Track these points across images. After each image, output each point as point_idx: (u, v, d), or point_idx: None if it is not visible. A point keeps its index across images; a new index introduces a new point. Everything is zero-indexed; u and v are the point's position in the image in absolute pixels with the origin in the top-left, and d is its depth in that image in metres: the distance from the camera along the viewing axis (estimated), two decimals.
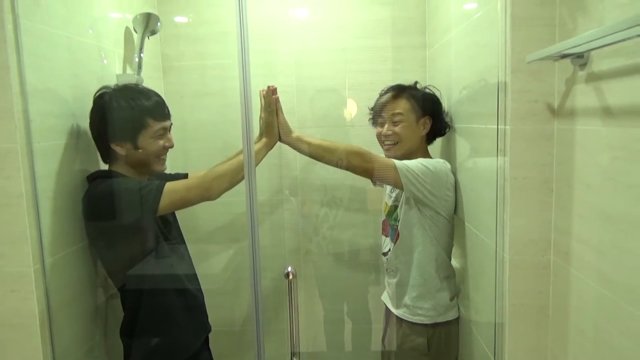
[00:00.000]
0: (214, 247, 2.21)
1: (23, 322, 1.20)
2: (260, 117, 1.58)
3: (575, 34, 1.03)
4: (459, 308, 1.63)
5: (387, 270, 1.74)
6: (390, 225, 1.72)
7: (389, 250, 1.70)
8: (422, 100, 1.63)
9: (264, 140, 1.54)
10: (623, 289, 0.89)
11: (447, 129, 1.70)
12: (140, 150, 1.40)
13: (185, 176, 1.71)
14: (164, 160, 1.49)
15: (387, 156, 1.65)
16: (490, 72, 1.24)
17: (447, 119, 1.70)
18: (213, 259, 2.16)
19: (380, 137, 1.68)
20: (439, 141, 1.96)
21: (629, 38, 0.76)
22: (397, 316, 1.66)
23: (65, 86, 1.44)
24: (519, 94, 1.13)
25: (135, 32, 1.79)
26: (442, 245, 1.60)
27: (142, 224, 1.39)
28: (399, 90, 1.66)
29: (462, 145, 1.62)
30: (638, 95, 0.84)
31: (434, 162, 1.55)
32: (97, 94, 1.43)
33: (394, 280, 1.68)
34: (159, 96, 1.46)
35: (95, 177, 1.42)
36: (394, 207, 1.69)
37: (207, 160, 2.17)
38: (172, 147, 1.49)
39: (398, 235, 1.64)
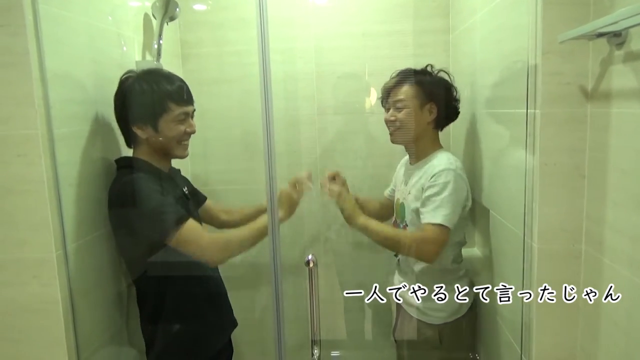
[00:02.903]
0: None
1: (46, 308, 1.21)
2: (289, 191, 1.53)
3: (612, 12, 0.97)
4: (474, 300, 1.58)
5: (398, 268, 1.72)
6: (398, 223, 1.69)
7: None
8: (429, 85, 1.56)
9: (280, 212, 1.44)
10: None
11: (457, 115, 1.63)
12: (160, 134, 1.39)
13: (203, 199, 1.72)
14: (186, 145, 1.47)
15: (392, 141, 1.63)
16: (519, 55, 1.19)
17: (457, 105, 1.62)
18: None
19: (386, 122, 1.63)
20: (462, 127, 1.91)
21: None
22: (406, 310, 1.63)
23: (86, 73, 1.44)
24: (550, 76, 1.08)
25: (154, 18, 1.77)
26: (455, 244, 1.56)
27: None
28: (404, 76, 1.59)
29: (487, 131, 1.57)
30: None
31: (457, 187, 1.47)
32: (123, 77, 1.43)
33: (405, 280, 1.65)
34: (182, 81, 1.44)
35: (121, 166, 1.42)
36: (402, 206, 1.65)
37: (226, 149, 2.18)
38: (193, 132, 1.47)
39: None
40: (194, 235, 1.34)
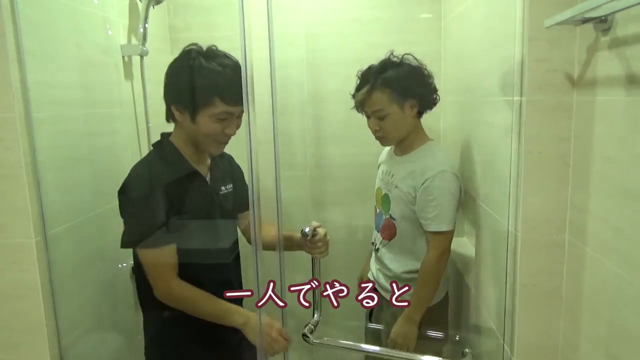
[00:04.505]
0: None
1: (25, 294, 1.20)
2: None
3: None
4: (448, 285, 1.66)
5: (375, 256, 1.72)
6: (379, 212, 1.69)
7: (376, 239, 1.69)
8: (401, 83, 1.49)
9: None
10: (638, 268, 0.84)
11: (437, 98, 1.57)
12: (196, 126, 1.27)
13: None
14: (222, 145, 1.34)
15: (382, 144, 1.62)
16: (506, 41, 1.17)
17: (434, 88, 1.56)
18: None
19: (371, 130, 1.58)
20: (451, 115, 1.89)
21: None
22: (384, 296, 1.64)
23: (69, 56, 1.42)
24: (537, 63, 1.05)
25: (140, 1, 1.74)
26: None
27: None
28: (371, 81, 1.51)
29: (476, 119, 1.55)
30: None
31: (454, 189, 1.50)
32: (187, 47, 1.31)
33: (382, 267, 1.66)
34: (239, 77, 1.22)
35: (155, 144, 1.36)
36: (386, 197, 1.63)
37: None
38: (232, 135, 1.31)
39: (390, 227, 1.61)
40: (151, 272, 1.27)
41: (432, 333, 1.56)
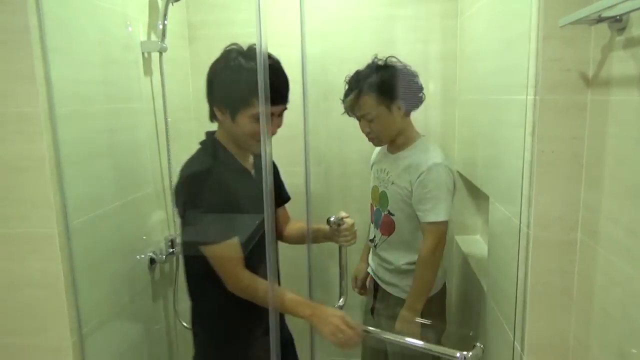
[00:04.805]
0: None
1: (48, 282, 1.24)
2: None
3: None
4: (445, 277, 1.73)
5: (373, 250, 1.76)
6: (377, 209, 1.73)
7: (375, 236, 1.73)
8: (387, 86, 1.56)
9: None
10: None
11: (423, 96, 1.64)
12: (236, 126, 1.29)
13: (285, 198, 1.59)
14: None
15: (375, 145, 1.69)
16: (520, 40, 1.17)
17: (419, 86, 1.63)
18: None
19: (363, 131, 1.65)
20: (466, 113, 1.89)
21: None
22: (385, 289, 1.69)
23: (90, 52, 1.45)
24: (551, 62, 1.06)
25: None
26: None
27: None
28: (359, 86, 1.57)
29: (487, 118, 1.55)
30: None
31: (448, 181, 1.55)
32: (227, 47, 1.33)
33: (382, 261, 1.70)
34: (279, 76, 1.30)
35: (202, 142, 1.39)
36: (384, 194, 1.68)
37: None
38: (274, 134, 1.34)
39: (389, 223, 1.64)
40: (219, 264, 1.29)
41: (428, 322, 1.60)
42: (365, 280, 1.86)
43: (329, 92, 2.08)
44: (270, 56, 1.28)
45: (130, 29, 1.69)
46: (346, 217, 1.47)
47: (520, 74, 1.15)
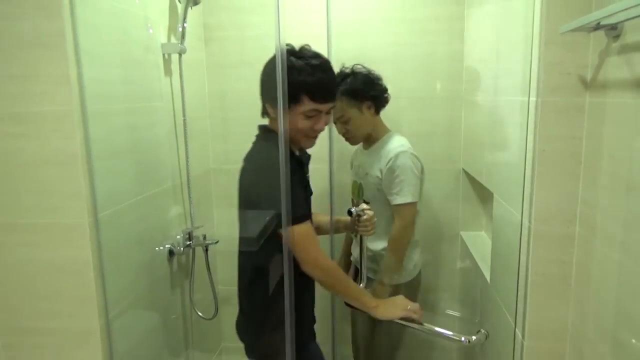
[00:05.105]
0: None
1: (78, 269, 1.33)
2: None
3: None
4: (420, 268, 1.89)
5: (355, 239, 1.87)
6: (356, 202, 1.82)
7: None
8: (356, 89, 1.74)
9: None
10: None
11: (389, 99, 1.81)
12: (287, 122, 1.32)
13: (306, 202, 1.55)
14: (314, 139, 1.42)
15: (351, 144, 1.86)
16: (524, 45, 1.24)
17: (384, 88, 1.79)
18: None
19: (339, 133, 1.82)
20: (471, 113, 1.96)
21: None
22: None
23: (115, 53, 1.54)
24: (552, 66, 1.13)
25: (179, 2, 1.86)
26: None
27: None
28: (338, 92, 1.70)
29: (491, 118, 1.62)
30: None
31: (413, 166, 1.71)
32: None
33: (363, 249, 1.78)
34: (328, 75, 1.37)
35: (260, 135, 1.43)
36: (361, 186, 1.83)
37: (245, 129, 2.25)
38: (322, 130, 1.40)
39: None
40: (304, 243, 1.32)
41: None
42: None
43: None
44: (319, 55, 1.37)
45: (151, 31, 1.78)
46: (368, 209, 1.56)
47: (522, 76, 1.22)
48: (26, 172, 1.30)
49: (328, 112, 1.39)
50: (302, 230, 1.31)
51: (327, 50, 1.48)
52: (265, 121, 1.47)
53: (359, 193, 1.86)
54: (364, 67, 1.79)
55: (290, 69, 1.30)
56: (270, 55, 2.07)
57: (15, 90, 1.26)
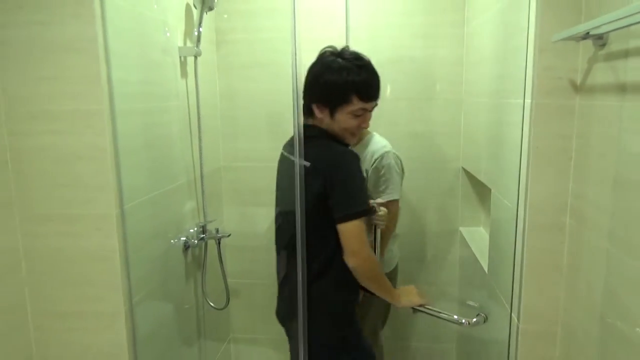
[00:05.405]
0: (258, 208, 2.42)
1: (107, 256, 1.43)
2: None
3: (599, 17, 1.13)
4: (397, 260, 2.00)
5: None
6: None
7: None
8: None
9: None
10: (627, 245, 1.02)
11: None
12: (334, 122, 1.41)
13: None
14: (356, 136, 1.50)
15: (355, 144, 1.88)
16: (519, 51, 1.35)
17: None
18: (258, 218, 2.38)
19: None
20: (471, 114, 2.07)
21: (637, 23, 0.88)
22: None
23: (137, 56, 1.64)
24: (545, 71, 1.24)
25: (195, 8, 1.96)
26: None
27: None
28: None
29: (489, 118, 1.73)
30: None
31: (396, 165, 1.83)
32: (322, 51, 1.45)
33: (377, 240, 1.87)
34: (373, 75, 1.42)
35: (314, 135, 1.41)
36: None
37: (254, 128, 2.36)
38: (367, 127, 1.50)
39: None
40: (360, 236, 1.36)
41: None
42: None
43: None
44: (361, 56, 1.43)
45: (168, 34, 1.88)
46: (382, 206, 1.64)
47: (518, 80, 1.33)
48: (60, 166, 1.40)
49: (371, 110, 1.45)
50: (360, 223, 1.36)
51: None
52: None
53: None
54: None
55: (339, 69, 1.36)
56: (277, 57, 2.20)
57: (50, 90, 1.37)
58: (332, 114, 1.41)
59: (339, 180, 1.36)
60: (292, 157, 1.41)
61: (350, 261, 1.36)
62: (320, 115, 1.42)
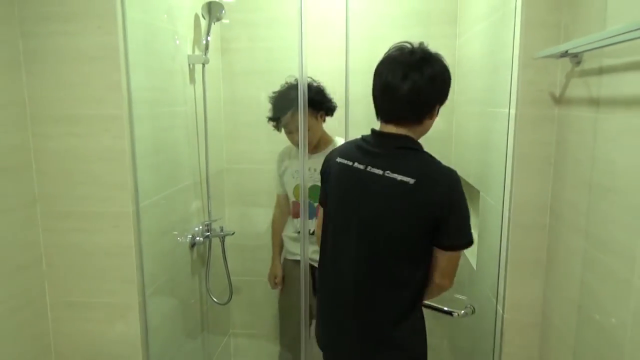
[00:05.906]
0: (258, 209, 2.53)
1: (122, 252, 1.54)
2: None
3: (576, 37, 1.26)
4: None
5: (311, 239, 1.92)
6: (311, 203, 1.95)
7: (312, 226, 1.90)
8: (312, 100, 1.83)
9: None
10: (601, 243, 1.14)
11: (335, 107, 2.01)
12: (424, 127, 1.34)
13: None
14: None
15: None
16: (505, 65, 1.48)
17: (330, 100, 2.00)
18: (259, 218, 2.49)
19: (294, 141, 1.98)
20: (461, 122, 2.20)
21: (607, 45, 1.01)
22: None
23: (151, 64, 1.75)
24: (528, 84, 1.37)
25: (204, 18, 2.08)
26: None
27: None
28: (293, 104, 1.80)
29: (478, 126, 1.86)
30: (614, 89, 1.08)
31: None
32: (434, 53, 1.37)
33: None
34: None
35: (410, 147, 1.30)
36: (316, 187, 1.88)
37: (254, 132, 2.47)
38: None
39: None
40: (456, 266, 1.34)
41: None
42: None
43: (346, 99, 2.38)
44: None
45: (177, 42, 1.99)
46: None
47: (504, 91, 1.46)
48: (81, 166, 1.51)
49: None
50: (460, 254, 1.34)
51: (345, 65, 1.70)
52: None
53: (313, 195, 1.92)
54: (313, 80, 1.96)
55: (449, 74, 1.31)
56: (279, 65, 2.30)
57: (74, 96, 1.48)
58: (420, 123, 1.31)
59: (457, 206, 1.27)
60: (375, 170, 1.29)
61: (445, 283, 1.34)
62: (431, 120, 1.33)
